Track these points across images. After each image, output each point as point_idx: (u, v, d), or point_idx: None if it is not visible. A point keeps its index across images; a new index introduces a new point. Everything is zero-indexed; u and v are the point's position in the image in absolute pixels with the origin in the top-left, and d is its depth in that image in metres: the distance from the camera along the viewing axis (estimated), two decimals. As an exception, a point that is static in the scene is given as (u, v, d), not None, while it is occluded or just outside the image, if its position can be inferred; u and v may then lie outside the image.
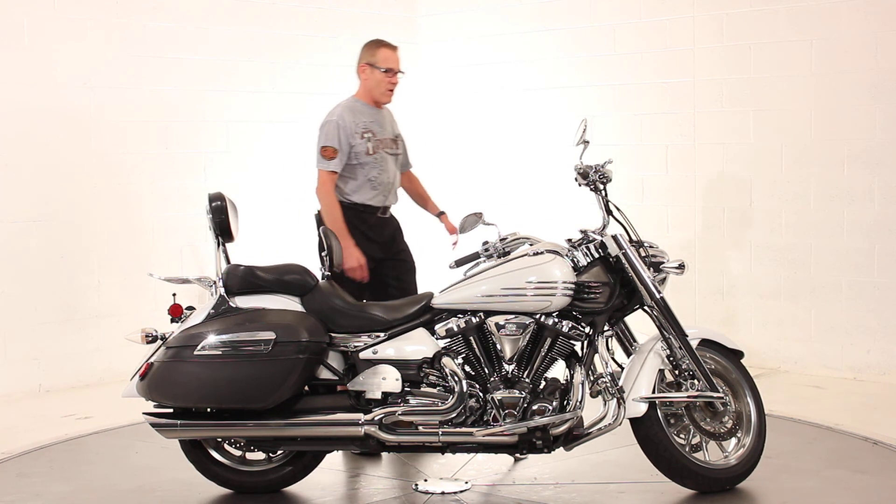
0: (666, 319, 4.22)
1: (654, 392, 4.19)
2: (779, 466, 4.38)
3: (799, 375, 6.44)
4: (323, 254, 4.57)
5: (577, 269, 4.24)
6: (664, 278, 4.33)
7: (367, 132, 4.99)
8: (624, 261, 4.21)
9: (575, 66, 7.49)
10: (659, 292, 4.22)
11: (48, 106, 6.41)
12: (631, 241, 4.28)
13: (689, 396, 4.22)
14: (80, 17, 6.52)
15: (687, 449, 4.25)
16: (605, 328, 4.29)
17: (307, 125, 7.56)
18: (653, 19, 7.10)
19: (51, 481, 4.67)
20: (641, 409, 4.13)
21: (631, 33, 7.20)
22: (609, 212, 4.34)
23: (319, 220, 4.98)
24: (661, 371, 4.24)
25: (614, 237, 4.23)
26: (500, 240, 4.37)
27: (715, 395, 4.21)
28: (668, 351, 4.25)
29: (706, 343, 4.34)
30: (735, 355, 4.40)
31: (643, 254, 4.28)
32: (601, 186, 4.35)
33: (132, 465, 4.87)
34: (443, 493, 4.37)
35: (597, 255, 4.27)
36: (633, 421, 4.20)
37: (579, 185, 4.37)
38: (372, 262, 4.93)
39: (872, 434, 5.10)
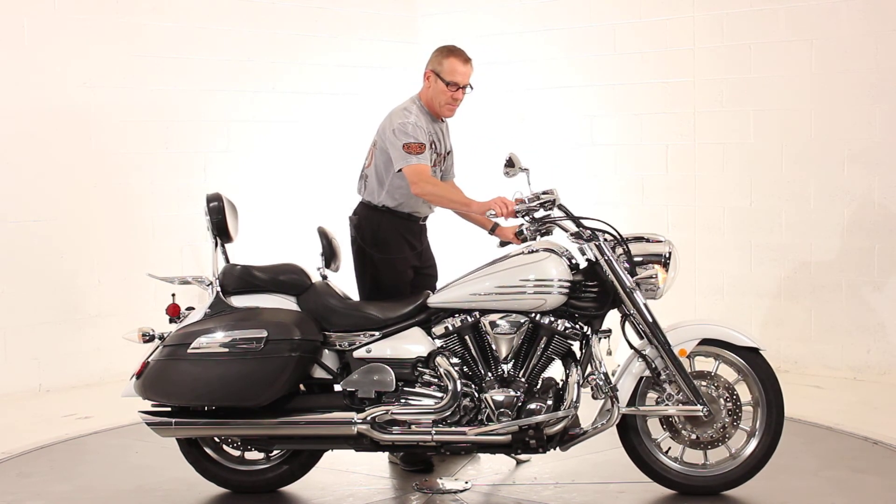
0: (648, 328, 4.16)
1: (635, 401, 4.19)
2: (779, 466, 4.37)
3: (799, 375, 6.44)
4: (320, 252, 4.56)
5: (574, 268, 4.23)
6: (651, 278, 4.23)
7: (433, 143, 4.65)
8: (607, 269, 4.16)
9: (575, 66, 7.49)
10: (642, 301, 4.14)
11: (48, 106, 6.41)
12: (618, 241, 4.20)
13: (665, 411, 4.19)
14: (80, 17, 6.52)
15: (676, 454, 4.25)
16: (606, 327, 4.28)
17: (307, 125, 7.61)
18: (653, 19, 7.10)
19: (51, 481, 4.67)
20: (614, 419, 4.13)
21: (631, 33, 7.20)
22: (580, 226, 4.23)
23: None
24: (649, 378, 4.22)
25: (597, 246, 4.17)
26: (534, 196, 4.24)
27: (693, 408, 4.16)
28: (656, 359, 4.19)
29: (712, 341, 4.24)
30: (750, 351, 4.25)
31: (633, 252, 4.19)
32: (550, 228, 4.27)
33: (132, 465, 4.88)
34: (443, 492, 4.37)
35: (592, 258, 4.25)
36: (617, 428, 4.21)
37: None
38: (412, 271, 4.77)
39: (872, 434, 5.10)
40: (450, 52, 4.68)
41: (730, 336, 4.23)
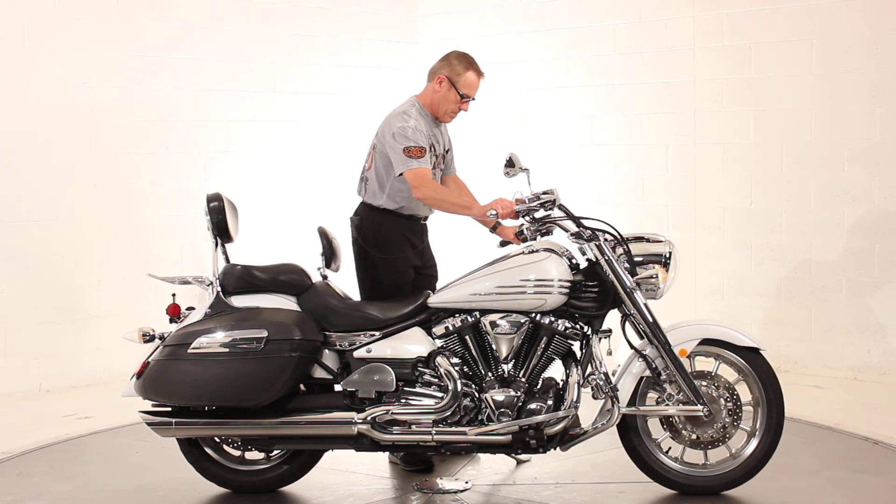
0: (648, 328, 4.16)
1: (636, 401, 4.19)
2: (779, 466, 4.37)
3: (799, 375, 6.44)
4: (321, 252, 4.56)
5: (574, 268, 4.23)
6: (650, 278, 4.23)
7: (432, 145, 4.65)
8: (607, 269, 4.16)
9: (575, 66, 7.49)
10: (642, 301, 4.14)
11: (48, 106, 6.41)
12: (619, 240, 4.20)
13: (665, 411, 4.19)
14: (80, 17, 6.52)
15: (676, 454, 4.25)
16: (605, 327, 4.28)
17: (307, 125, 7.60)
18: (653, 19, 7.10)
19: (51, 481, 4.67)
20: (615, 419, 4.13)
21: (631, 33, 7.20)
22: (580, 226, 4.22)
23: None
24: (649, 378, 4.22)
25: (598, 246, 4.17)
26: (534, 196, 4.24)
27: (693, 408, 4.16)
28: (657, 359, 4.19)
29: (712, 341, 4.24)
30: (750, 351, 4.25)
31: (634, 252, 4.19)
32: (550, 228, 4.26)
33: (132, 465, 4.88)
34: (443, 492, 4.37)
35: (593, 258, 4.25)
36: (617, 428, 4.21)
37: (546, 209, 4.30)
38: (413, 271, 4.77)
39: (872, 434, 5.10)
40: (469, 63, 4.70)
41: (730, 336, 4.23)
